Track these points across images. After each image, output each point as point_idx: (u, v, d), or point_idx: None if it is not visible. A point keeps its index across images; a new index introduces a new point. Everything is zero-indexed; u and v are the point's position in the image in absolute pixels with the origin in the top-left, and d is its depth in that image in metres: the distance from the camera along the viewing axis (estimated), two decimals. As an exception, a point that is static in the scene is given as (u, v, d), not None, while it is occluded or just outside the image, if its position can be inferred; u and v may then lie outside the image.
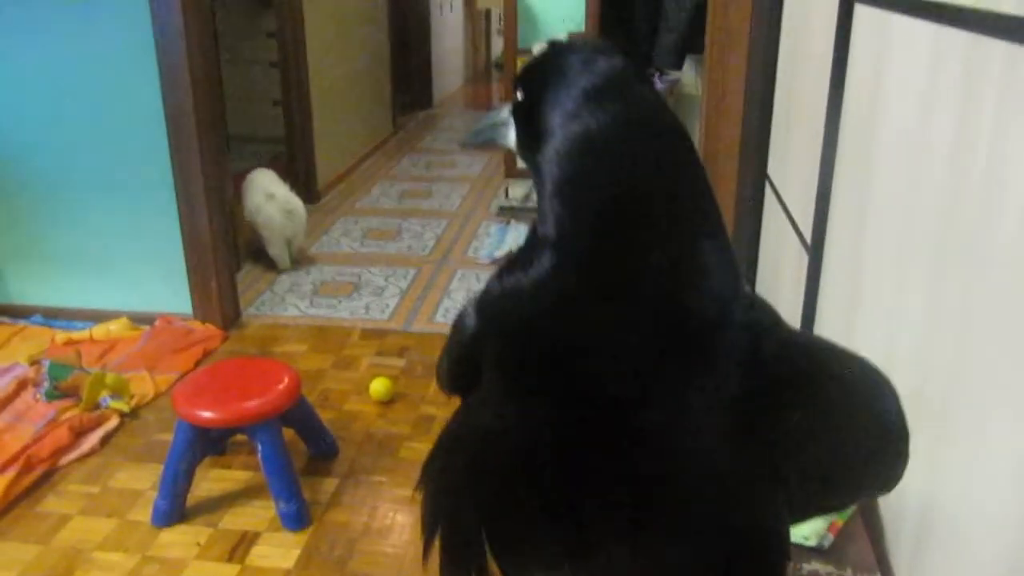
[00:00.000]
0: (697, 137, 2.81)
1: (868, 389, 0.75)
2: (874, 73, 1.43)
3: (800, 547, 1.18)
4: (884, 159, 1.36)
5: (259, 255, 3.85)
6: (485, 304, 0.78)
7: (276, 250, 3.75)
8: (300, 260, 3.88)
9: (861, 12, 1.52)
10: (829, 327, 1.67)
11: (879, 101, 1.39)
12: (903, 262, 1.23)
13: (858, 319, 1.46)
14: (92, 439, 2.48)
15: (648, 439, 0.69)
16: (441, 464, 0.84)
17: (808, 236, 1.79)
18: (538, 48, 0.77)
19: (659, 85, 4.66)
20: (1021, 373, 0.86)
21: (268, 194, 3.70)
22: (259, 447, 2.12)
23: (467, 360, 0.81)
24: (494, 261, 3.85)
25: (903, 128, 1.26)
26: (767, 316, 0.75)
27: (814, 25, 1.93)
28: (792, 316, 1.92)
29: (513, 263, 0.73)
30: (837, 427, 0.72)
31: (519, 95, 0.77)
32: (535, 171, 0.73)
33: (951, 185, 1.06)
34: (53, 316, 3.22)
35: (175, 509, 2.15)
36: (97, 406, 2.60)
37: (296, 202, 3.77)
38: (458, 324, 0.83)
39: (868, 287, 1.41)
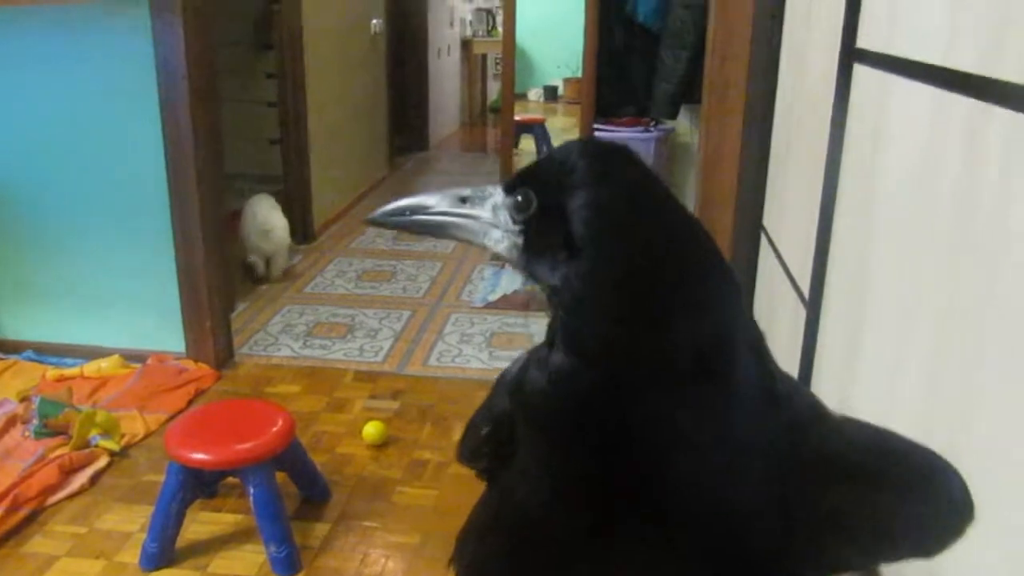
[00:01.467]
0: (692, 187, 2.84)
1: (935, 482, 0.72)
2: (873, 129, 1.45)
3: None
4: (885, 214, 1.38)
5: (254, 295, 3.85)
6: (515, 388, 0.75)
7: (254, 257, 4.09)
8: (282, 278, 4.17)
9: (861, 72, 1.55)
10: (826, 384, 1.67)
11: (879, 156, 1.41)
12: (905, 320, 1.24)
13: (857, 377, 1.47)
14: (81, 478, 2.45)
15: (691, 524, 0.68)
16: (475, 545, 0.83)
17: (805, 290, 1.81)
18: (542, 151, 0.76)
19: (654, 135, 4.72)
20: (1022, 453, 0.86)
21: (252, 213, 4.04)
22: (251, 490, 2.10)
23: (495, 435, 0.81)
24: (488, 305, 3.85)
25: (904, 184, 1.28)
26: (807, 399, 0.75)
27: (811, 79, 1.96)
28: (787, 366, 1.92)
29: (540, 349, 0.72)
30: (894, 515, 0.70)
31: (531, 202, 0.70)
32: (542, 279, 0.69)
33: (955, 243, 1.07)
34: (45, 352, 3.20)
35: (164, 552, 2.13)
36: (87, 444, 2.58)
37: (276, 223, 4.07)
38: (498, 387, 0.83)
39: (868, 344, 1.42)
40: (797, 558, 0.71)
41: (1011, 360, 0.91)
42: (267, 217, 4.03)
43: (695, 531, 0.68)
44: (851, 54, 1.60)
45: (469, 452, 0.89)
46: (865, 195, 1.47)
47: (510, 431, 0.79)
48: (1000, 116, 0.96)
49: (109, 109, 2.98)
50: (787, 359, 1.93)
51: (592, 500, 0.70)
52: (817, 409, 0.75)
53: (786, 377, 0.76)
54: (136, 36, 2.87)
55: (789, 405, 0.71)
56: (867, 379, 1.42)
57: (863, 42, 1.56)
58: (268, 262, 4.12)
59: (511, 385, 0.76)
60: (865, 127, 1.52)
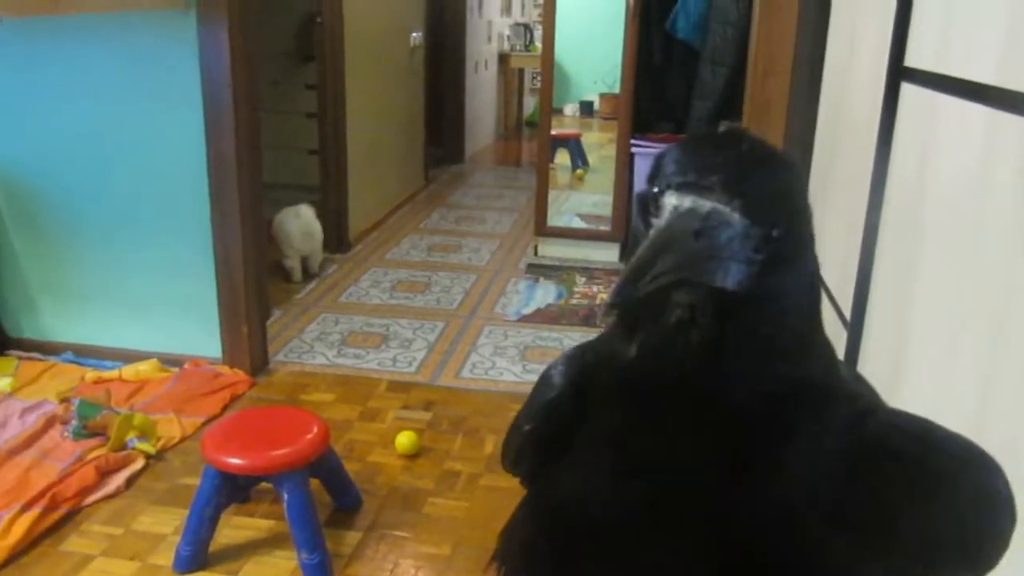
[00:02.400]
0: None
1: (974, 470, 0.72)
2: (921, 149, 1.44)
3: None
4: (932, 235, 1.36)
5: (290, 303, 3.89)
6: (584, 366, 0.81)
7: (292, 263, 4.23)
8: (317, 288, 4.25)
9: (908, 91, 1.54)
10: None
11: (927, 177, 1.39)
12: (951, 344, 1.22)
13: (899, 402, 1.45)
14: (118, 480, 2.48)
15: (744, 516, 0.68)
16: (522, 537, 0.82)
17: (847, 311, 1.79)
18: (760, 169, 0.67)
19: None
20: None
21: (296, 212, 4.20)
22: (285, 496, 2.11)
23: (553, 424, 0.82)
24: (522, 318, 3.85)
25: (954, 205, 1.26)
26: (869, 390, 0.79)
27: (855, 98, 1.95)
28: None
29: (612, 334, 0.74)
30: (939, 505, 0.70)
31: (772, 230, 0.64)
32: (768, 293, 0.67)
33: (1008, 266, 1.06)
34: (84, 354, 3.25)
35: (197, 555, 2.14)
36: (124, 446, 2.61)
37: (316, 227, 4.27)
38: (546, 383, 0.85)
39: (912, 368, 1.40)
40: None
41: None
42: (311, 218, 4.24)
43: (749, 515, 0.68)
44: (899, 73, 1.58)
45: (514, 454, 0.89)
46: (911, 215, 1.46)
47: (559, 427, 0.81)
48: (1057, 137, 0.95)
49: (153, 113, 3.03)
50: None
51: (651, 487, 0.71)
52: (876, 393, 0.80)
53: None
54: (182, 44, 2.92)
55: (857, 379, 0.79)
56: (910, 402, 1.40)
57: (911, 60, 1.55)
58: (304, 265, 4.30)
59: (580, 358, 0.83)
60: (912, 147, 1.50)
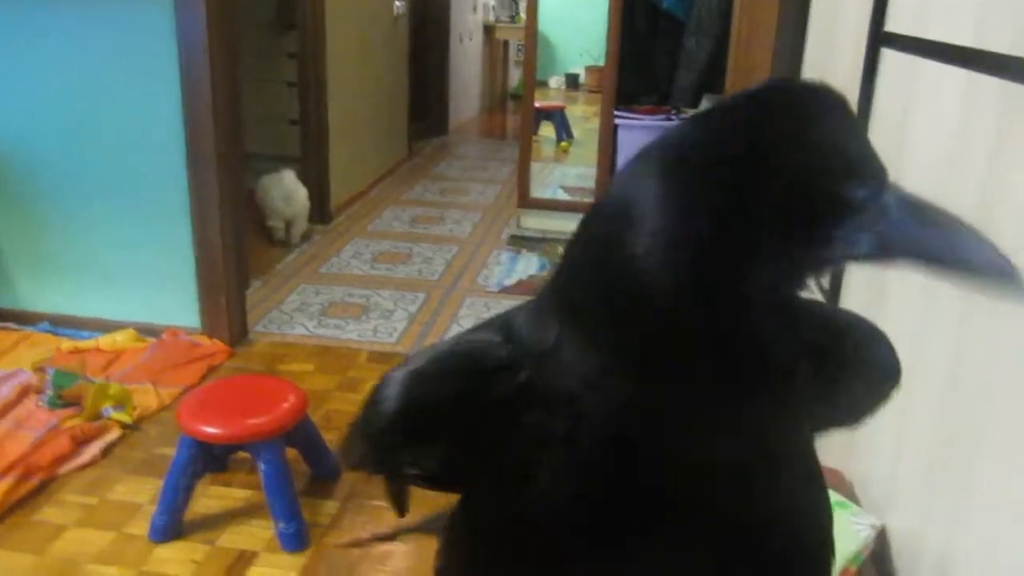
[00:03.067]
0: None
1: (883, 346, 0.77)
2: (901, 113, 1.43)
3: (812, 594, 1.16)
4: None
5: (269, 274, 3.86)
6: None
7: (273, 222, 4.26)
8: (300, 242, 4.37)
9: (889, 56, 1.52)
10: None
11: (906, 140, 1.38)
12: (925, 312, 1.22)
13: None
14: (93, 449, 2.46)
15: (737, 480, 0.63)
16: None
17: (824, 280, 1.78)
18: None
19: (675, 123, 4.69)
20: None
21: (279, 179, 4.22)
22: (261, 466, 2.10)
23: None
24: (503, 289, 3.84)
25: (933, 167, 1.25)
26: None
27: (837, 65, 1.93)
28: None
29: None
30: (863, 374, 0.75)
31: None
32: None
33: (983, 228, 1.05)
34: (60, 324, 3.21)
35: (173, 525, 2.13)
36: (99, 416, 2.58)
37: (300, 192, 4.28)
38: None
39: (889, 326, 1.40)
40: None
41: (1038, 346, 0.89)
42: (293, 183, 4.26)
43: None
44: (879, 38, 1.57)
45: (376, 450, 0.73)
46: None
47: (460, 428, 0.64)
48: (1034, 96, 0.94)
49: (129, 82, 2.98)
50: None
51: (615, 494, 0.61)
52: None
53: None
54: (159, 11, 2.87)
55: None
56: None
57: (892, 26, 1.53)
58: (288, 228, 4.31)
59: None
60: (892, 111, 1.49)
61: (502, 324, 0.65)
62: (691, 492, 0.60)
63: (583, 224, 0.62)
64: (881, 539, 1.29)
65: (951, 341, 1.10)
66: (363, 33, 5.15)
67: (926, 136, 1.29)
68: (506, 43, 9.60)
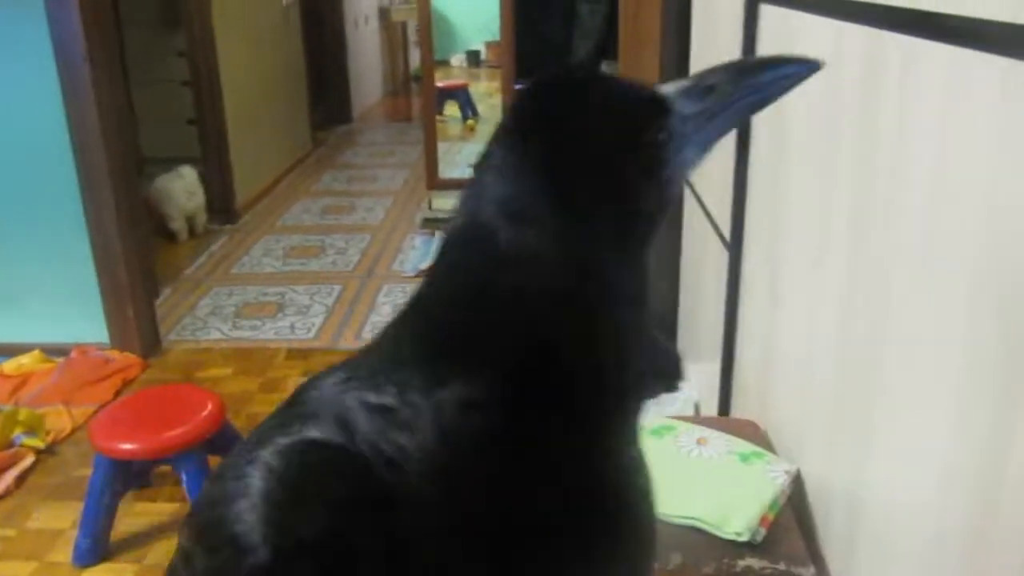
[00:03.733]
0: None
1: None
2: (781, 70, 1.45)
3: (733, 543, 1.19)
4: (794, 156, 1.39)
5: (179, 280, 3.77)
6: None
7: (177, 224, 4.24)
8: (204, 233, 4.40)
9: (766, 11, 1.55)
10: (751, 322, 1.69)
11: (787, 99, 1.41)
12: (820, 255, 1.25)
13: (779, 314, 1.48)
14: (6, 479, 2.37)
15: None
16: None
17: (727, 233, 1.82)
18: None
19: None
20: (932, 365, 0.87)
21: (178, 174, 4.21)
22: (184, 477, 2.06)
23: None
24: (419, 273, 3.82)
25: (810, 124, 1.28)
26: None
27: (721, 24, 1.96)
28: (716, 311, 1.94)
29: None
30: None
31: None
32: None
33: (859, 179, 1.08)
34: (-40, 353, 3.08)
35: (98, 547, 2.07)
36: (11, 444, 2.49)
37: (199, 187, 4.32)
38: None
39: (787, 282, 1.43)
40: None
41: (916, 286, 0.92)
42: (194, 178, 4.27)
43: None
44: (756, -6, 1.59)
45: None
46: (776, 135, 1.48)
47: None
48: (896, 41, 0.96)
49: (8, 100, 2.85)
50: (715, 300, 1.94)
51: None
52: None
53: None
54: (30, 18, 2.74)
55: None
56: (788, 313, 1.44)
57: (767, -19, 1.55)
58: (190, 225, 4.34)
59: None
60: (773, 66, 1.51)
61: (335, 417, 0.55)
62: (588, 515, 0.58)
63: (441, 261, 0.59)
64: (797, 483, 1.33)
65: (843, 292, 1.13)
66: (253, 26, 5.03)
67: (803, 87, 1.32)
68: (404, 25, 9.48)
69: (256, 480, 0.50)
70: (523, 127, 0.59)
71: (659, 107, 0.59)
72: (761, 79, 0.62)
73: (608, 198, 0.57)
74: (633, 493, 0.62)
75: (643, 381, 0.60)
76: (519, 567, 0.53)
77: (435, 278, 0.59)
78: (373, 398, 0.54)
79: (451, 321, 0.56)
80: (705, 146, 0.61)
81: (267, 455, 0.52)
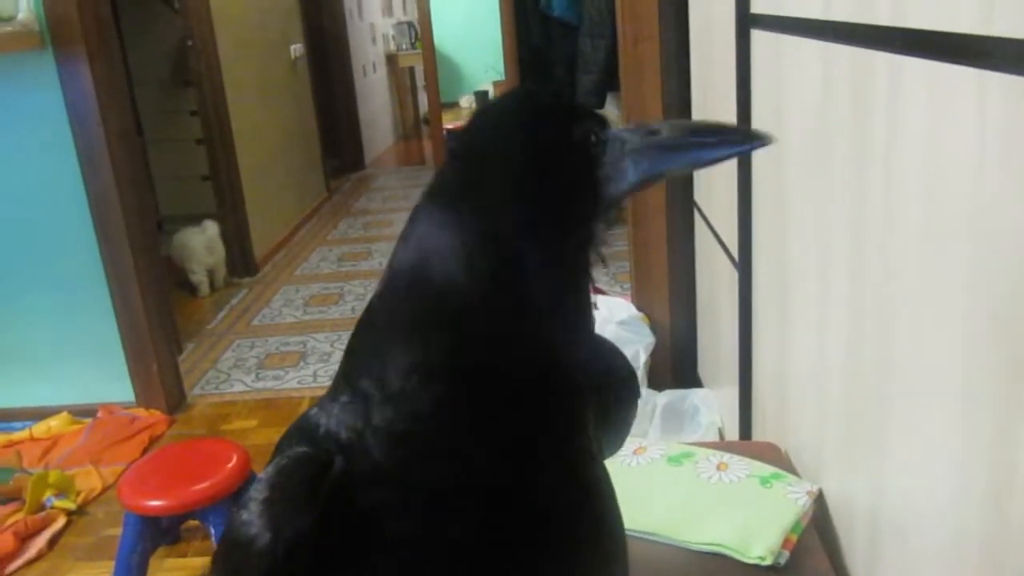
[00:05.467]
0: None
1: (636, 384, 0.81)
2: (775, 89, 1.47)
3: (757, 567, 1.18)
4: (793, 176, 1.40)
5: (202, 334, 3.81)
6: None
7: (198, 277, 4.30)
8: (224, 287, 4.48)
9: (757, 36, 1.57)
10: (766, 344, 1.69)
11: (782, 115, 1.43)
12: (824, 271, 1.25)
13: (790, 329, 1.48)
14: (39, 542, 2.39)
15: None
16: None
17: (736, 254, 1.82)
18: None
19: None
20: (938, 378, 0.87)
21: (201, 228, 4.27)
22: (212, 531, 2.07)
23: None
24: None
25: (807, 144, 1.29)
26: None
27: (717, 51, 1.98)
28: (730, 331, 1.94)
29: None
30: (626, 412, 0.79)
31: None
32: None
33: (855, 197, 1.09)
34: (-10, 420, 3.13)
35: (131, 604, 2.08)
36: (42, 507, 2.51)
37: (219, 241, 4.36)
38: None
39: (796, 298, 1.44)
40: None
41: (919, 296, 0.92)
42: (215, 233, 4.32)
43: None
44: (747, 20, 1.62)
45: None
46: (776, 156, 1.49)
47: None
48: (880, 59, 0.98)
49: (24, 163, 2.91)
50: (729, 324, 1.94)
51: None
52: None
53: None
54: (44, 87, 2.82)
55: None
56: (799, 329, 1.44)
57: (757, 7, 1.58)
58: (211, 277, 4.40)
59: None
60: (768, 88, 1.53)
61: (305, 428, 0.67)
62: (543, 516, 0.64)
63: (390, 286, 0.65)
64: (819, 503, 1.32)
65: (849, 309, 1.14)
66: (263, 81, 5.12)
67: (798, 107, 1.33)
68: (411, 70, 9.62)
69: (255, 493, 0.62)
70: (459, 142, 0.67)
71: (591, 114, 0.65)
72: (704, 138, 0.66)
73: (542, 194, 0.63)
74: (586, 479, 0.67)
75: (591, 373, 0.65)
76: (479, 533, 0.60)
77: (382, 291, 0.66)
78: (330, 399, 0.66)
79: (392, 312, 0.64)
80: (644, 171, 0.65)
81: (263, 476, 0.64)
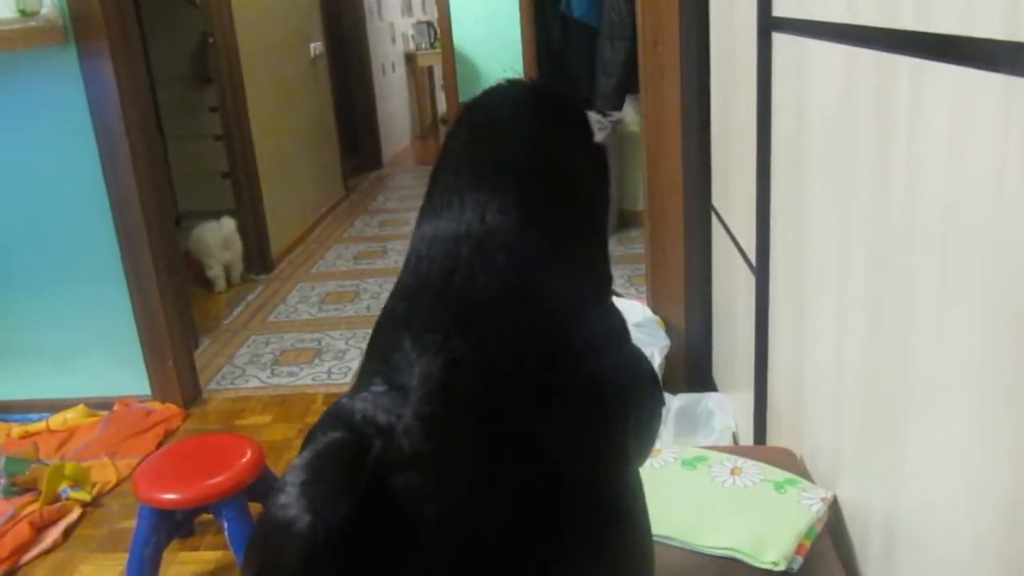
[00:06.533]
0: (642, 174, 2.85)
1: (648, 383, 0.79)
2: (797, 92, 1.46)
3: (770, 573, 1.18)
4: (813, 179, 1.39)
5: (218, 330, 3.82)
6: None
7: (214, 272, 4.33)
8: (241, 283, 4.50)
9: (778, 39, 1.56)
10: (781, 344, 1.68)
11: (804, 118, 1.42)
12: (842, 276, 1.25)
13: (807, 334, 1.48)
14: (54, 532, 2.41)
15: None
16: None
17: (754, 259, 1.82)
18: None
19: (605, 124, 4.73)
20: (958, 379, 0.87)
21: (218, 224, 4.28)
22: (225, 525, 2.07)
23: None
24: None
25: (828, 148, 1.29)
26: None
27: (738, 54, 1.98)
28: (745, 335, 1.93)
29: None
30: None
31: None
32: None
33: (875, 201, 1.08)
34: (7, 410, 3.15)
35: (144, 597, 2.09)
36: (58, 498, 2.53)
37: (236, 236, 4.38)
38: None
39: (813, 303, 1.43)
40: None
41: (938, 300, 0.92)
42: (232, 228, 4.34)
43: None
44: (769, 23, 1.61)
45: None
46: (796, 160, 1.48)
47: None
48: (903, 63, 0.97)
49: (46, 157, 2.94)
50: (746, 328, 1.94)
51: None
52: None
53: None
54: (66, 80, 2.84)
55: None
56: (816, 333, 1.43)
57: (779, 11, 1.57)
58: (228, 272, 4.43)
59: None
60: (789, 92, 1.53)
61: (342, 416, 0.66)
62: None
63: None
64: (834, 509, 1.32)
65: (867, 315, 1.13)
66: (282, 78, 5.14)
67: (819, 110, 1.33)
68: (430, 69, 9.63)
69: (291, 478, 0.61)
70: (472, 124, 0.68)
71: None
72: None
73: (564, 192, 0.64)
74: (617, 477, 0.67)
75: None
76: (509, 520, 0.60)
77: (404, 280, 0.66)
78: (364, 388, 0.66)
79: (414, 301, 0.66)
80: None
81: (299, 461, 0.63)
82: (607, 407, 0.67)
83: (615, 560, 0.67)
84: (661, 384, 0.81)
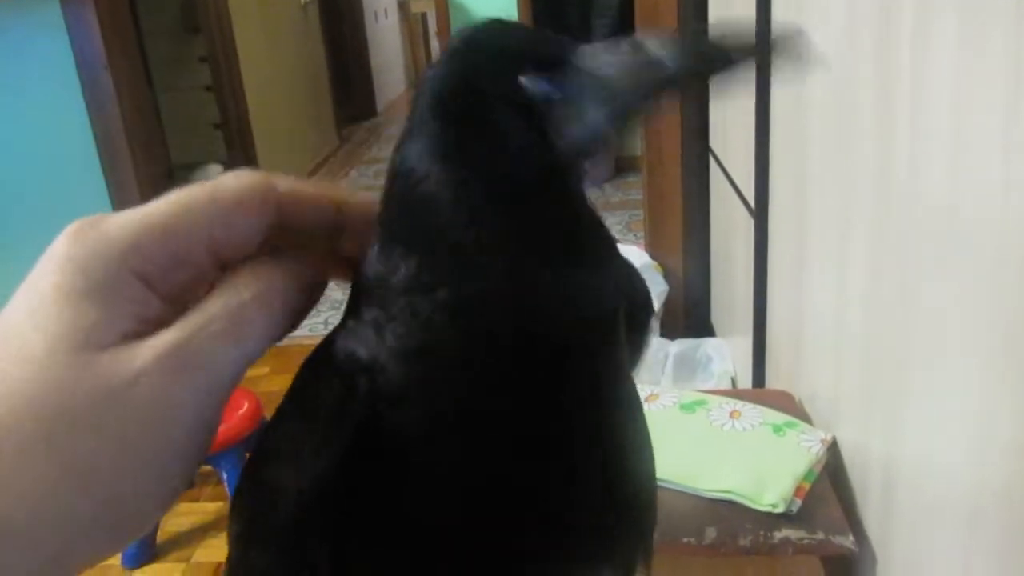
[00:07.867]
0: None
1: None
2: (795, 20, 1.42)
3: (768, 515, 1.17)
4: (814, 117, 1.36)
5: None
6: None
7: None
8: None
9: (778, -27, 1.52)
10: (781, 291, 1.66)
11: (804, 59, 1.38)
12: (844, 219, 1.22)
13: (807, 277, 1.46)
14: (54, 487, 2.42)
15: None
16: None
17: (752, 201, 1.79)
18: None
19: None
20: (962, 322, 0.85)
21: (205, 174, 4.30)
22: (225, 476, 2.08)
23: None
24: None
25: (829, 83, 1.26)
26: None
27: (737, -8, 1.93)
28: (744, 279, 1.91)
29: None
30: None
31: None
32: None
33: (880, 141, 1.05)
34: None
35: (145, 549, 2.11)
36: (57, 453, 2.54)
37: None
38: None
39: (813, 245, 1.41)
40: None
41: (942, 248, 0.89)
42: (216, 174, 4.21)
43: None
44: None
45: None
46: (796, 98, 1.45)
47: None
48: (908, 4, 0.93)
49: (33, 110, 2.89)
50: (744, 271, 1.92)
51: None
52: None
53: None
54: (50, 32, 2.78)
55: None
56: (816, 276, 1.41)
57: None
58: None
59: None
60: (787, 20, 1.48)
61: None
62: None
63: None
64: (833, 452, 1.31)
65: (870, 257, 1.11)
66: (273, 27, 5.05)
67: (821, 44, 1.29)
68: (424, 15, 9.46)
69: (275, 423, 0.58)
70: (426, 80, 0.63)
71: (550, 51, 0.51)
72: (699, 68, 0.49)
73: (467, 157, 0.56)
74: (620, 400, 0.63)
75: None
76: (499, 455, 0.57)
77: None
78: (339, 327, 0.61)
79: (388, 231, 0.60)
80: (617, 111, 0.51)
81: (281, 407, 0.59)
82: (609, 323, 0.64)
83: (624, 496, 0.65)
84: (652, 300, 0.79)
